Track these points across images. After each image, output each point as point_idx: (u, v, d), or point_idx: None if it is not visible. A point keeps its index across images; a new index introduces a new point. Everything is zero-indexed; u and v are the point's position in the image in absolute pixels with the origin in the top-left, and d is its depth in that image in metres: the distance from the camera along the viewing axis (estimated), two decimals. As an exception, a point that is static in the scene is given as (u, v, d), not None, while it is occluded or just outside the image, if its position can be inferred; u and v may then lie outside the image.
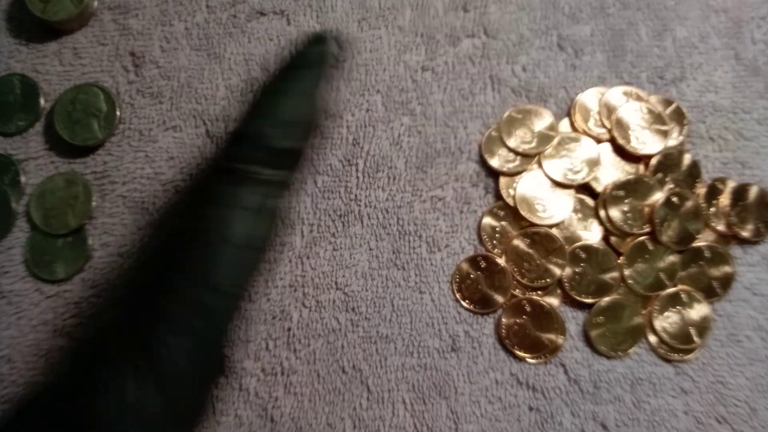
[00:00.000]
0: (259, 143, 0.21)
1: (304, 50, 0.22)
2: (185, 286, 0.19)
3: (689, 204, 0.31)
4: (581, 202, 0.32)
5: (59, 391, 0.19)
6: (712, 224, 0.31)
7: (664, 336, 0.30)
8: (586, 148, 0.32)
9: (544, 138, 0.32)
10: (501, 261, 0.31)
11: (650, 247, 0.31)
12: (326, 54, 0.22)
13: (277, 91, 0.22)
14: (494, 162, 0.32)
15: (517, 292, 0.31)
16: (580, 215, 0.32)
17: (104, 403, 0.18)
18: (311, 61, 0.22)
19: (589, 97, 0.33)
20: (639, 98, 0.32)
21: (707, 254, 0.31)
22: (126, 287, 0.21)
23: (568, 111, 0.33)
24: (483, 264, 0.31)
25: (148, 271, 0.21)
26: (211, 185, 0.21)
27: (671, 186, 0.32)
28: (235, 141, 0.22)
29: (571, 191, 0.32)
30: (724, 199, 0.32)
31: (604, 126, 0.32)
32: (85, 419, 0.18)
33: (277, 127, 0.21)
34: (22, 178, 0.32)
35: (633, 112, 0.32)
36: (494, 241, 0.31)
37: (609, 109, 0.32)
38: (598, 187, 0.32)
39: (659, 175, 0.32)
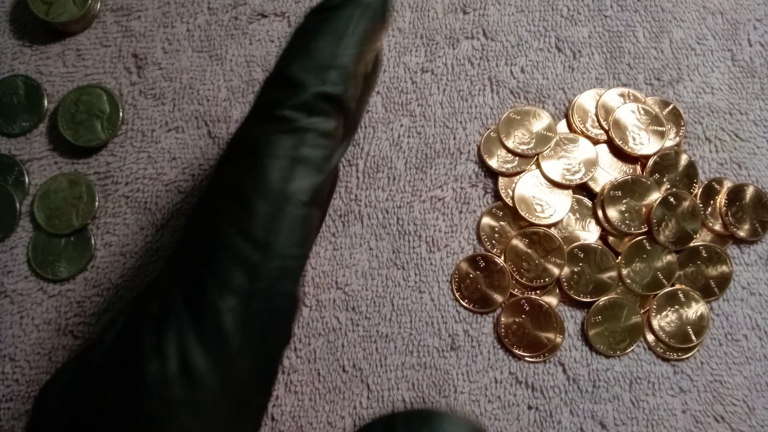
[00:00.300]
0: (299, 88, 0.19)
1: None
2: (242, 248, 0.18)
3: (686, 204, 0.31)
4: (579, 202, 0.32)
5: (107, 353, 0.18)
6: (709, 224, 0.32)
7: (662, 335, 0.30)
8: (583, 149, 0.32)
9: (543, 139, 0.32)
10: (500, 261, 0.31)
11: (648, 246, 0.31)
12: None
13: (318, 31, 0.19)
14: (493, 162, 0.32)
15: (516, 291, 0.31)
16: (578, 215, 0.32)
17: (154, 369, 0.17)
18: (356, 2, 0.20)
19: (587, 99, 0.33)
20: (636, 99, 0.33)
21: (704, 254, 0.31)
22: (178, 243, 0.19)
23: (566, 112, 0.33)
24: (482, 263, 0.31)
25: (202, 227, 0.19)
26: (261, 135, 0.19)
27: (668, 186, 0.32)
28: (273, 85, 0.20)
29: (569, 191, 0.32)
30: (721, 200, 0.32)
31: (601, 127, 0.32)
32: (133, 385, 0.17)
33: (313, 71, 0.19)
34: (26, 179, 0.32)
35: (630, 113, 0.32)
36: (493, 241, 0.32)
37: (606, 111, 0.33)
38: (596, 188, 0.32)
39: (656, 176, 0.32)
